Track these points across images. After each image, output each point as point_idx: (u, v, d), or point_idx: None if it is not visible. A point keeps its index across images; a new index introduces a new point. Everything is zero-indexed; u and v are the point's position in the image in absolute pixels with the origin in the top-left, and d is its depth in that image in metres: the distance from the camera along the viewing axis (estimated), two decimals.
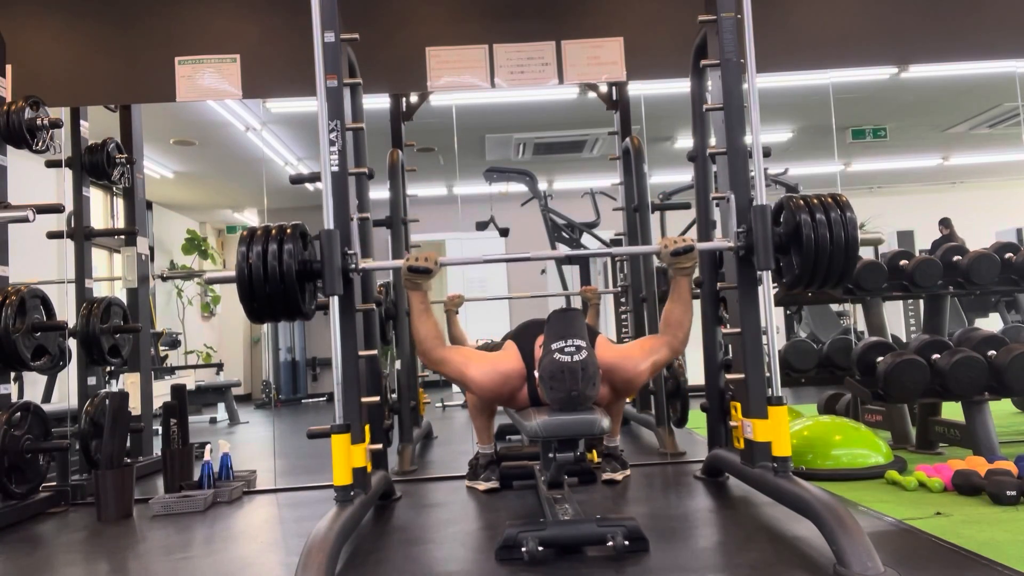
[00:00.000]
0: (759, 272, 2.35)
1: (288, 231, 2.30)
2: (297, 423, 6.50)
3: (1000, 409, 4.17)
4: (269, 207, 5.47)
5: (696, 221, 3.14)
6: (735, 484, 2.83)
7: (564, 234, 5.59)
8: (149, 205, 5.61)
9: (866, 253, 5.43)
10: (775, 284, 2.48)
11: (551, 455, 2.23)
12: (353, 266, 2.37)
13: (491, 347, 3.21)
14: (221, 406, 6.31)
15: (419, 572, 2.04)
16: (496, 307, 6.51)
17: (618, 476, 3.08)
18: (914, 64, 4.28)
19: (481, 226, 5.36)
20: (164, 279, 6.15)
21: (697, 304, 3.04)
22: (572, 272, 5.87)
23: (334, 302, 2.31)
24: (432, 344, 2.58)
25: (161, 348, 5.83)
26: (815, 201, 2.32)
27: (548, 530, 2.05)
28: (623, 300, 4.61)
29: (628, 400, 4.41)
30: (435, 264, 2.45)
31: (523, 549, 1.99)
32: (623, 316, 4.74)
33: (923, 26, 3.48)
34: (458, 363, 2.62)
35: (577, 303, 5.44)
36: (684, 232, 5.57)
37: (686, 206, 4.29)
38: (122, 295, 4.01)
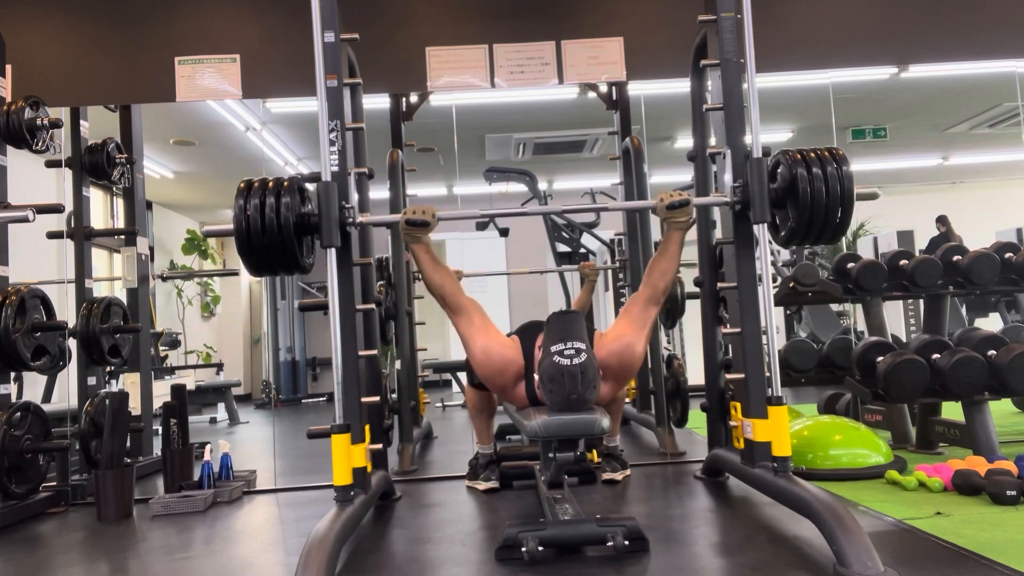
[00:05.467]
0: (755, 226, 2.35)
1: (285, 184, 2.31)
2: (297, 423, 6.50)
3: (1000, 409, 4.17)
4: None
5: (696, 221, 3.14)
6: (735, 484, 2.83)
7: (564, 234, 5.60)
8: (149, 205, 5.61)
9: (866, 252, 5.44)
10: (771, 240, 2.48)
11: (551, 455, 2.24)
12: (351, 220, 2.38)
13: None
14: (221, 406, 6.31)
15: (419, 572, 2.04)
16: (496, 307, 6.50)
17: (618, 476, 3.08)
18: (914, 64, 4.27)
19: (481, 226, 5.36)
20: (164, 279, 6.14)
21: (697, 304, 3.05)
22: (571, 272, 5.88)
23: (331, 255, 2.32)
24: (452, 289, 2.55)
25: (161, 348, 5.83)
26: (812, 155, 2.33)
27: (548, 530, 2.05)
28: (620, 276, 4.59)
29: (628, 400, 4.42)
30: (432, 217, 2.47)
31: (523, 549, 1.99)
32: (622, 301, 4.73)
33: (923, 26, 3.48)
34: (472, 326, 2.56)
35: (575, 293, 5.44)
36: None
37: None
38: (122, 295, 4.01)
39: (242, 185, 2.33)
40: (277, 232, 2.26)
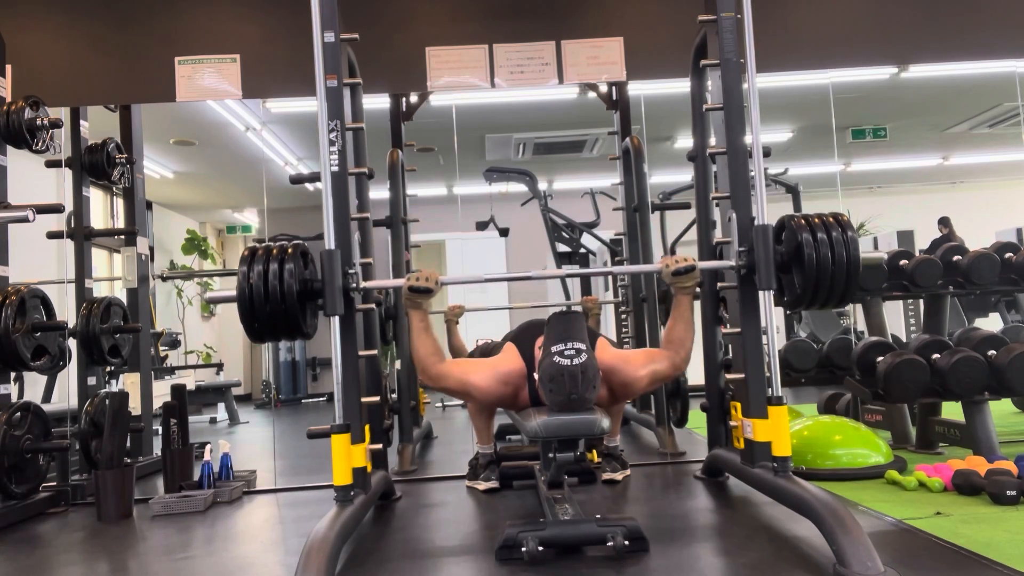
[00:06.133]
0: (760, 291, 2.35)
1: (289, 250, 2.30)
2: (297, 423, 6.50)
3: (1000, 409, 4.17)
4: (269, 207, 5.48)
5: (696, 221, 3.14)
6: (735, 484, 2.83)
7: (564, 234, 5.58)
8: (149, 205, 5.61)
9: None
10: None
11: (551, 455, 2.24)
12: (354, 285, 2.36)
13: (491, 348, 3.21)
14: (221, 406, 6.31)
15: (419, 572, 2.04)
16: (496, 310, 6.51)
17: (618, 476, 3.08)
18: (914, 64, 4.28)
19: (481, 226, 5.35)
20: (164, 279, 6.14)
21: (697, 304, 3.04)
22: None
23: (335, 322, 2.31)
24: (431, 361, 2.58)
25: (161, 348, 5.83)
26: (816, 220, 2.32)
27: (548, 530, 2.05)
28: (623, 310, 4.61)
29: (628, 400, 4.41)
30: (436, 284, 2.46)
31: (523, 549, 2.00)
32: (623, 318, 4.74)
33: (923, 26, 3.48)
34: (458, 375, 2.62)
35: (575, 294, 5.44)
36: (684, 232, 5.59)
37: (686, 206, 4.29)
38: (122, 295, 4.01)
39: (246, 252, 2.32)
40: (280, 300, 2.25)
